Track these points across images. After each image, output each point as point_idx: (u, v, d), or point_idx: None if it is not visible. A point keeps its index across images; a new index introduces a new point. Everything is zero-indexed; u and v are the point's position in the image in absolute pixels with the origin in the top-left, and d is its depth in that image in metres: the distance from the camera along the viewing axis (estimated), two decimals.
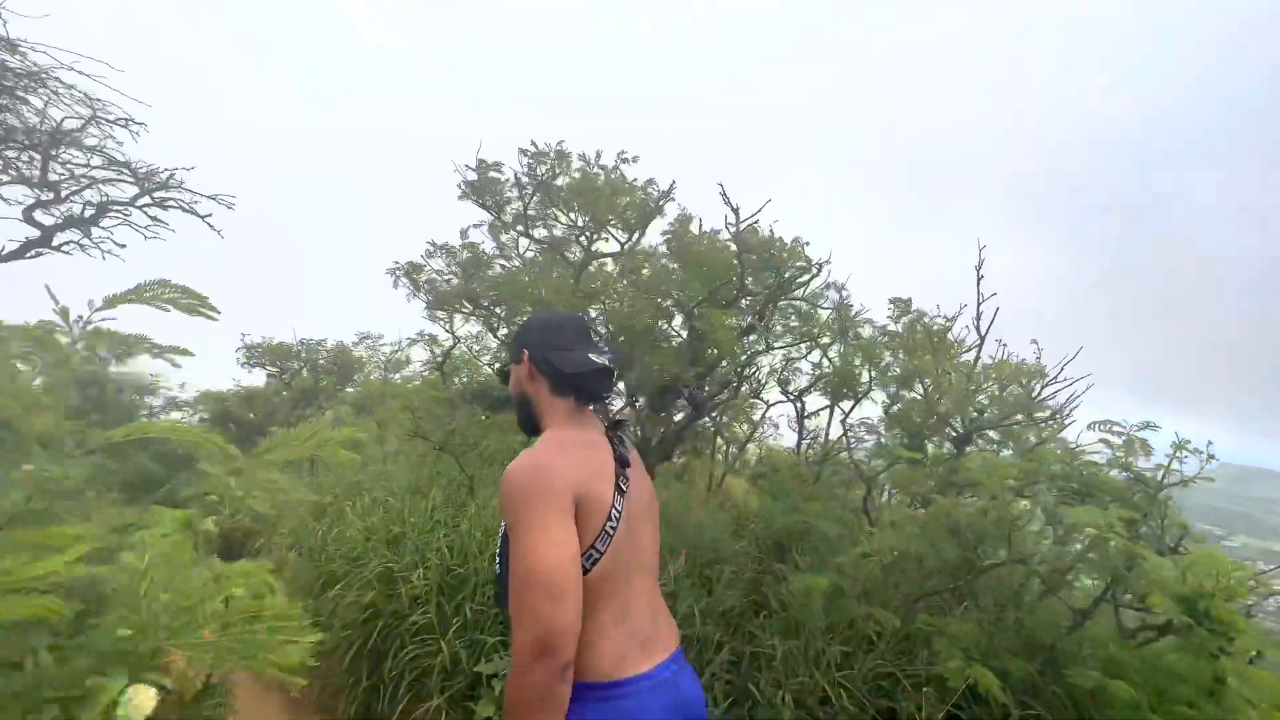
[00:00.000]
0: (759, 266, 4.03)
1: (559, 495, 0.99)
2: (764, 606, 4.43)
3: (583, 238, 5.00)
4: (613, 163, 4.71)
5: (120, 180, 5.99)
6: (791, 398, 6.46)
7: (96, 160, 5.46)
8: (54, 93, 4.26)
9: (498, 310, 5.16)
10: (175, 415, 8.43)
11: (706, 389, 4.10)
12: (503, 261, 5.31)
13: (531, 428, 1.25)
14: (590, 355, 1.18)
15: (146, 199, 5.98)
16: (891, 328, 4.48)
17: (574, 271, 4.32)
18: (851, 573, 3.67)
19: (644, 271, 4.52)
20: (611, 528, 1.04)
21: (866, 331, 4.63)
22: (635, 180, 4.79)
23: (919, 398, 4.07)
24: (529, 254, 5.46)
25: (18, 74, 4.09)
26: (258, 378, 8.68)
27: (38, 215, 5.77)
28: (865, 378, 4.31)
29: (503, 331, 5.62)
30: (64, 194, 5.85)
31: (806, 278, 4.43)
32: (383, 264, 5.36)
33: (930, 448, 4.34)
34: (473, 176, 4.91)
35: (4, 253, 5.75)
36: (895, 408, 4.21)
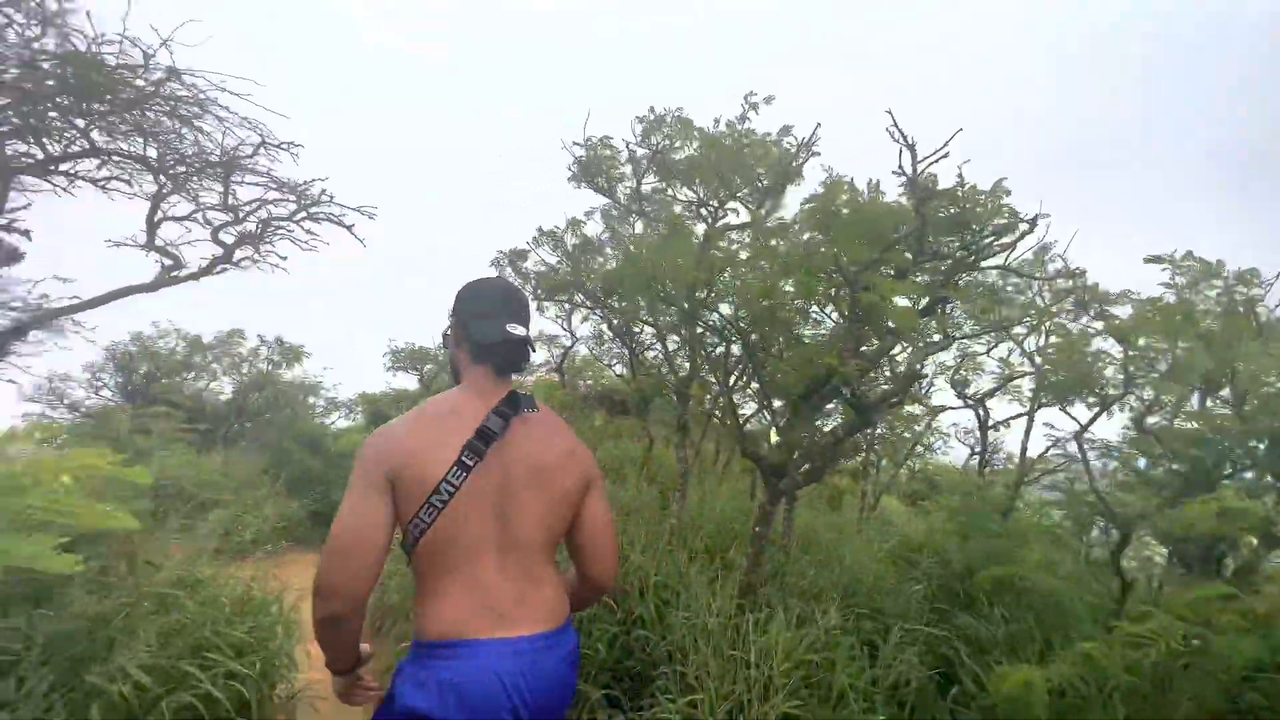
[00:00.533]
0: (944, 226, 2.94)
1: (371, 471, 1.08)
2: (952, 679, 3.30)
3: (705, 210, 4.26)
4: (739, 112, 3.89)
5: (283, 200, 6.58)
6: (970, 402, 5.09)
7: (251, 179, 5.92)
8: (218, 118, 4.56)
9: (614, 303, 4.62)
10: (334, 415, 9.27)
11: (874, 386, 3.13)
12: (614, 248, 4.78)
13: None
14: (506, 326, 1.20)
15: (303, 214, 6.48)
16: (1168, 299, 3.02)
17: (696, 249, 3.60)
18: (1104, 663, 2.46)
19: (780, 245, 3.64)
20: (440, 501, 1.08)
21: (1119, 311, 3.23)
22: (768, 135, 3.93)
23: (1226, 404, 2.66)
24: (647, 238, 4.87)
25: (189, 102, 4.42)
26: (406, 380, 9.24)
27: (221, 235, 6.50)
28: (1113, 374, 2.97)
29: (619, 326, 5.09)
30: (242, 215, 6.55)
31: (1011, 238, 3.20)
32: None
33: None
34: (580, 154, 4.42)
35: (198, 270, 6.57)
36: (1179, 417, 2.82)
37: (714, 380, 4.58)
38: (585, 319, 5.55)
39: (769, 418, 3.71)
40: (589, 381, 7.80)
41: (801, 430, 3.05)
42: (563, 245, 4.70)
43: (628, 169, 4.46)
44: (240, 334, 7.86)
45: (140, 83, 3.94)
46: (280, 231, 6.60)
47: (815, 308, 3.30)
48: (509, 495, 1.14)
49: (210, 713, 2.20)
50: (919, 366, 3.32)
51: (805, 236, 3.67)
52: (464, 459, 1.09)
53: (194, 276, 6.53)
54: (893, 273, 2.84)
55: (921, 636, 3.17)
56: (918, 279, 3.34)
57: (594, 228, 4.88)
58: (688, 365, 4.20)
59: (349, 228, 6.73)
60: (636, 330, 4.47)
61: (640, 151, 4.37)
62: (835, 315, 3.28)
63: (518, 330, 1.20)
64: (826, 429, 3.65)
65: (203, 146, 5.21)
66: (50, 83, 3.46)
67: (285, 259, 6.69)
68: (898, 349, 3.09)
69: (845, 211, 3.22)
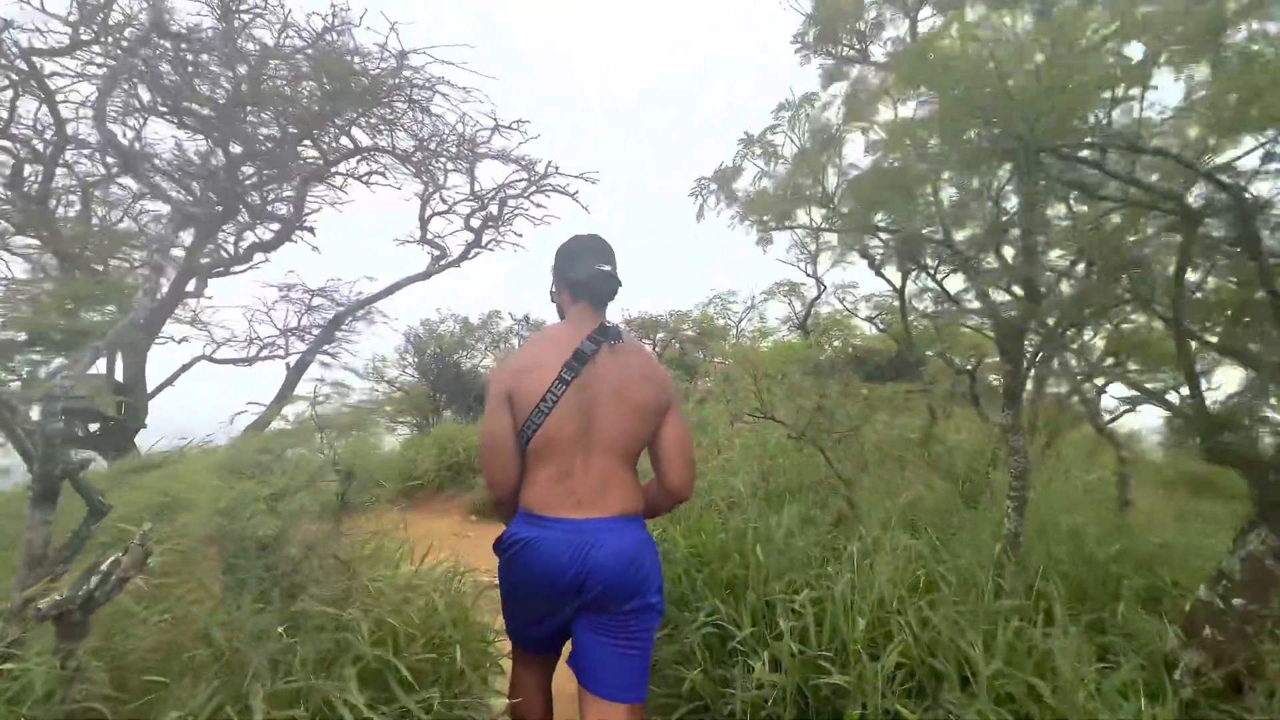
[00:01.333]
0: None
1: (497, 393, 1.39)
2: None
3: None
4: None
5: (517, 179, 6.82)
6: None
7: (489, 159, 6.09)
8: (444, 95, 4.64)
9: (882, 231, 3.24)
10: None
11: None
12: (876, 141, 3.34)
13: None
14: (595, 265, 1.44)
15: (533, 188, 6.61)
16: None
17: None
18: None
19: None
20: (546, 407, 1.33)
21: None
22: None
23: None
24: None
25: (422, 86, 4.57)
26: None
27: (471, 222, 7.04)
28: None
29: (883, 266, 3.71)
30: (486, 200, 7.00)
31: None
32: None
33: None
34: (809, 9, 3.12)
35: (457, 257, 7.27)
36: None
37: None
38: (837, 260, 4.29)
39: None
40: (835, 343, 6.41)
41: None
42: (791, 141, 3.45)
43: (891, 9, 3.00)
44: (498, 314, 8.64)
45: (376, 70, 4.10)
46: (516, 210, 6.90)
47: None
48: (596, 406, 1.36)
49: None
50: None
51: None
52: (563, 375, 1.34)
53: (455, 263, 7.28)
54: None
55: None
56: None
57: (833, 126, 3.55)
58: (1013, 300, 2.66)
59: (573, 195, 6.68)
60: (920, 256, 3.04)
61: None
62: None
63: (605, 267, 1.44)
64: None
65: (441, 132, 5.48)
66: (309, 86, 3.76)
67: (521, 236, 7.00)
68: None
69: None
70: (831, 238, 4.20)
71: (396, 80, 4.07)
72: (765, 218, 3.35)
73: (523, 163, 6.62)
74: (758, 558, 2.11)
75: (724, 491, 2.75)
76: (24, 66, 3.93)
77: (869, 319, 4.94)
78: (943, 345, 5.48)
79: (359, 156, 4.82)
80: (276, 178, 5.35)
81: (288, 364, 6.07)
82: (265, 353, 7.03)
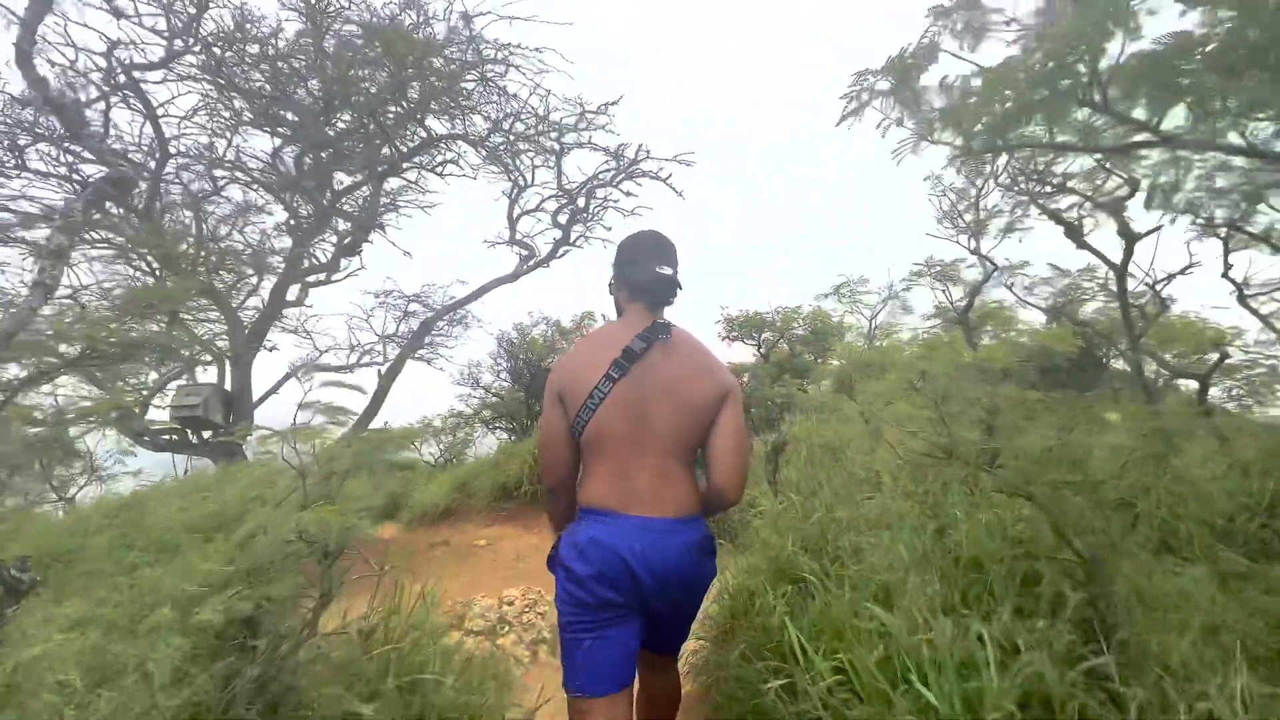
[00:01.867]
0: None
1: (550, 391, 1.41)
2: None
3: None
4: None
5: (604, 169, 6.28)
6: None
7: (575, 147, 5.58)
8: (517, 67, 4.16)
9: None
10: None
11: None
12: None
13: None
14: (655, 267, 1.41)
15: (622, 176, 6.03)
16: None
17: None
18: None
19: None
20: (593, 404, 1.32)
21: None
22: None
23: None
24: None
25: (492, 60, 4.12)
26: (743, 351, 8.27)
27: (559, 217, 6.62)
28: None
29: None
30: (574, 194, 6.54)
31: None
32: None
33: None
34: None
35: (545, 256, 6.89)
36: None
37: None
38: (1009, 229, 3.17)
39: None
40: (988, 340, 5.11)
41: None
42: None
43: None
44: (590, 315, 8.19)
45: (448, 48, 3.69)
46: (605, 201, 6.37)
47: None
48: (648, 405, 1.33)
49: None
50: None
51: None
52: (610, 373, 1.34)
53: (543, 262, 6.91)
54: None
55: None
56: None
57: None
58: None
59: (665, 180, 6.00)
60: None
61: None
62: None
63: (665, 270, 1.41)
64: None
65: (518, 111, 5.02)
66: (367, 65, 3.42)
67: (610, 230, 6.45)
68: None
69: None
70: (994, 198, 3.06)
71: (466, 54, 3.62)
72: (976, 128, 2.18)
73: (612, 151, 6.07)
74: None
75: (882, 558, 1.89)
76: (124, 80, 4.00)
77: (1056, 308, 3.64)
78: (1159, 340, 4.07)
79: (434, 146, 4.49)
80: (360, 183, 5.26)
81: (379, 370, 6.05)
82: (365, 359, 7.15)
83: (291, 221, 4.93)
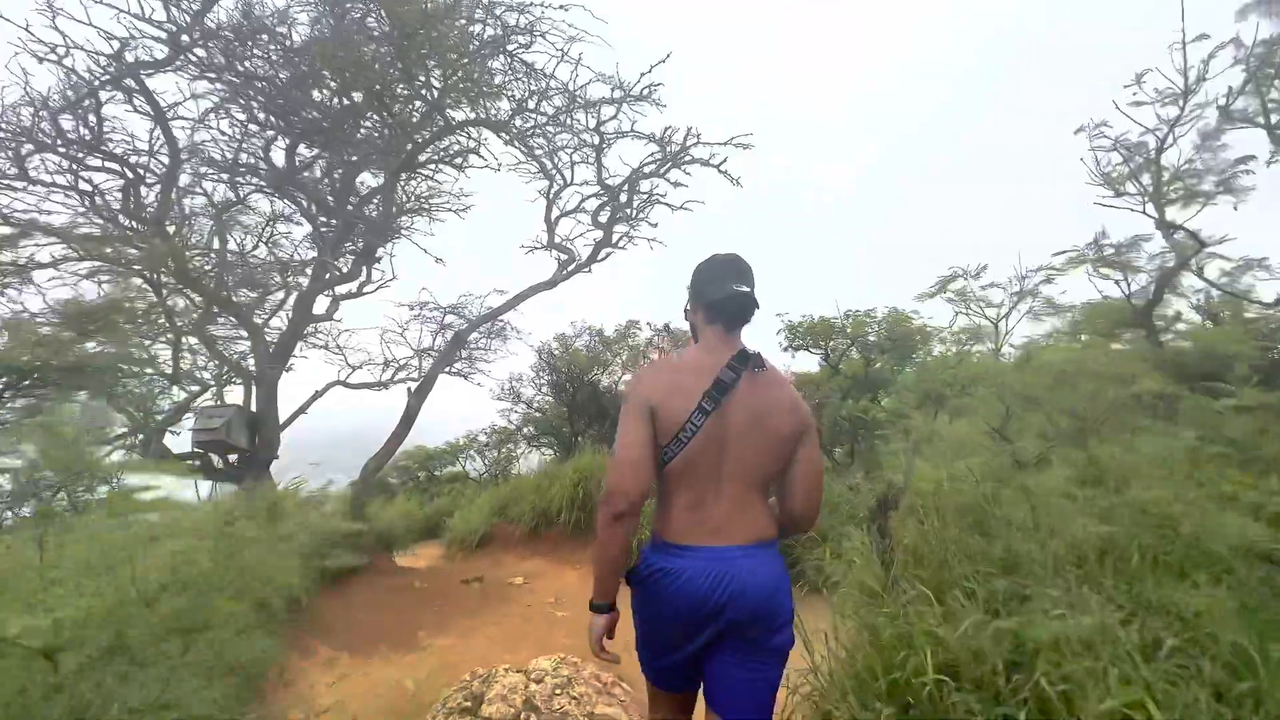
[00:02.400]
0: None
1: (639, 405, 1.33)
2: None
3: None
4: None
5: (649, 160, 5.65)
6: None
7: (614, 134, 4.97)
8: (545, 37, 3.59)
9: None
10: None
11: None
12: None
13: None
14: (733, 285, 1.40)
15: (669, 164, 5.37)
16: None
17: None
18: None
19: None
20: (686, 436, 1.31)
21: None
22: None
23: None
24: None
25: (517, 29, 3.57)
26: (807, 361, 7.41)
27: (599, 216, 6.03)
28: None
29: None
30: (617, 190, 5.94)
31: None
32: None
33: None
34: None
35: (586, 259, 6.31)
36: None
37: None
38: (1189, 196, 2.28)
39: None
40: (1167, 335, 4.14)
41: None
42: None
43: None
44: (635, 324, 7.57)
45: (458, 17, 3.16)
46: (651, 195, 5.73)
47: None
48: (735, 436, 1.34)
49: None
50: None
51: None
52: (704, 405, 1.32)
53: (584, 266, 6.33)
54: None
55: None
56: None
57: None
58: None
59: (718, 166, 5.29)
60: None
61: None
62: None
63: (742, 288, 1.40)
64: None
65: (545, 89, 4.44)
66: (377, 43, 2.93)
67: (656, 225, 5.78)
68: None
69: None
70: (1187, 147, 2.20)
71: (485, 24, 3.08)
72: None
73: (658, 136, 5.43)
74: None
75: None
76: (133, 84, 3.70)
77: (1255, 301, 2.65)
78: None
79: (450, 133, 3.98)
80: (380, 188, 4.86)
81: (409, 388, 5.61)
82: (400, 375, 6.77)
83: (312, 230, 4.56)
